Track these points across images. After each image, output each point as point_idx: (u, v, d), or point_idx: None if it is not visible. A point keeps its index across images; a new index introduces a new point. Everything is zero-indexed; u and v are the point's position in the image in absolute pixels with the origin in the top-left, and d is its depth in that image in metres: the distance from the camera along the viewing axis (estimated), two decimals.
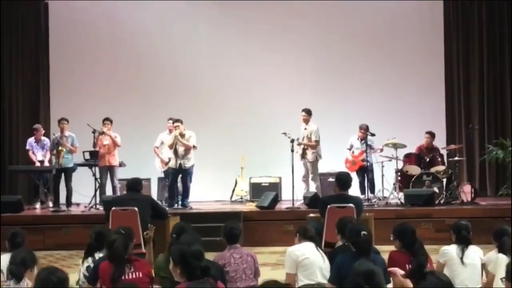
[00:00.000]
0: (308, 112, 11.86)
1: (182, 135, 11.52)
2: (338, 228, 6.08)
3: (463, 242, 5.84)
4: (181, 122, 11.59)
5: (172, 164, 11.72)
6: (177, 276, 4.45)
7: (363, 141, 12.02)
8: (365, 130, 12.03)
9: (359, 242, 5.19)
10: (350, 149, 12.24)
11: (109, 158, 12.06)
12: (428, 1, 14.11)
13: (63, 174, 11.88)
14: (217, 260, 5.66)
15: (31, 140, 12.69)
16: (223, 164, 13.72)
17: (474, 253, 5.85)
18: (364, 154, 11.95)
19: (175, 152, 11.57)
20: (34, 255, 4.97)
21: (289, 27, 14.15)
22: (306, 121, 11.85)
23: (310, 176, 11.79)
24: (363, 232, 5.20)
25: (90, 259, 5.78)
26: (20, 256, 4.84)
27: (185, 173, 11.64)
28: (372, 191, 12.21)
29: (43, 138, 12.71)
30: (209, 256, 5.33)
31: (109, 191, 12.09)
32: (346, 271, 4.87)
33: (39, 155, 12.58)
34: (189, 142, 11.52)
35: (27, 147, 12.66)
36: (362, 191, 12.15)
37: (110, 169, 12.10)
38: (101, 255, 5.74)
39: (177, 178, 11.79)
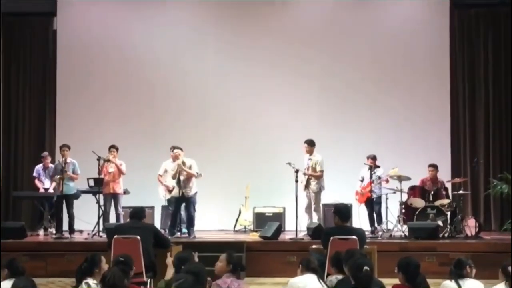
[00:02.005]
0: (310, 143, 11.86)
1: (183, 164, 11.51)
2: (338, 261, 6.00)
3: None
4: (181, 149, 11.61)
5: (174, 193, 11.69)
6: None
7: (372, 172, 12.02)
8: (372, 160, 12.03)
9: (360, 277, 5.13)
10: (362, 181, 12.18)
11: (113, 186, 12.07)
12: (435, 33, 14.12)
13: (64, 201, 11.93)
14: (217, 284, 5.63)
15: (39, 167, 12.72)
16: (227, 193, 13.68)
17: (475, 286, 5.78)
18: (371, 185, 11.95)
19: (178, 181, 11.55)
20: (34, 283, 4.97)
21: (294, 56, 14.19)
22: (310, 152, 11.84)
23: (313, 206, 11.77)
24: (365, 268, 5.14)
25: (84, 286, 5.68)
26: (21, 283, 4.85)
27: (188, 202, 11.55)
28: (379, 223, 12.15)
29: (51, 165, 12.72)
30: None
31: (113, 219, 12.09)
32: None
33: (47, 183, 12.62)
34: (191, 170, 11.51)
35: (34, 174, 12.70)
36: (371, 223, 12.13)
37: (115, 196, 12.11)
38: (95, 281, 5.69)
39: (180, 206, 11.73)
